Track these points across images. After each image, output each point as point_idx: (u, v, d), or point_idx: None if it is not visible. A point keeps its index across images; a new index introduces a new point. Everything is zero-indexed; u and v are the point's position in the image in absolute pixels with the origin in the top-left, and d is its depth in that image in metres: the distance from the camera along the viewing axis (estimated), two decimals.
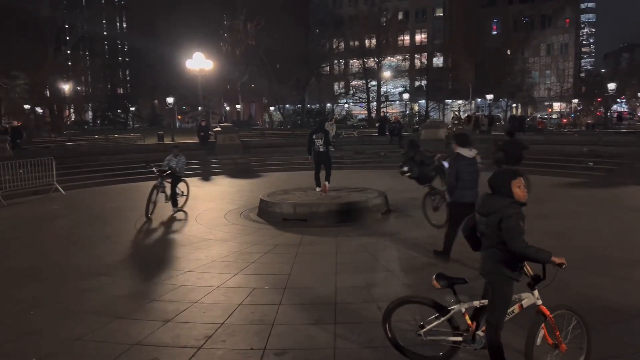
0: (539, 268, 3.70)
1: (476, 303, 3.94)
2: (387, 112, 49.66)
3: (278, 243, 8.53)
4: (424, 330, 4.07)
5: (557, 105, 75.51)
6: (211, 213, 11.67)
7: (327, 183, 11.86)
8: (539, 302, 3.73)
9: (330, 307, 5.56)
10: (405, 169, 9.60)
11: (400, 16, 71.42)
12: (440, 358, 4.14)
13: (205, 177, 19.30)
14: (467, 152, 7.11)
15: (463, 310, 3.95)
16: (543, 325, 3.68)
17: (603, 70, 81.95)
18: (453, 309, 3.97)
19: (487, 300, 3.83)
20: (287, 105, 67.90)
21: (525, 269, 3.75)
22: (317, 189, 11.86)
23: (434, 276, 3.93)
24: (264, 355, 4.47)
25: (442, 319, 4.00)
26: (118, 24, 77.86)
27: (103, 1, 72.82)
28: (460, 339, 4.00)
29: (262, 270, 7.10)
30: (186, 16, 54.79)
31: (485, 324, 3.76)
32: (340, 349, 4.59)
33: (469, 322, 3.96)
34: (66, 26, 58.45)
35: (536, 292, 3.73)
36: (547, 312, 3.69)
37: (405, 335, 4.36)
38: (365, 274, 6.79)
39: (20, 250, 8.61)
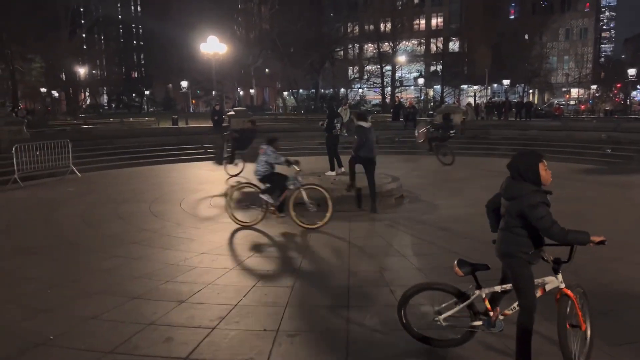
0: (556, 252, 3.63)
1: (497, 288, 3.88)
2: (401, 98, 49.23)
3: (291, 227, 8.53)
4: (443, 316, 4.01)
5: (575, 92, 74.24)
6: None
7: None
8: (563, 285, 3.67)
9: (343, 291, 5.56)
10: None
11: (415, 0, 70.47)
12: (457, 342, 4.10)
13: (219, 160, 19.30)
14: (365, 124, 9.57)
15: (483, 295, 3.92)
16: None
17: (623, 56, 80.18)
18: (474, 294, 3.92)
19: (508, 285, 3.79)
20: (301, 90, 67.62)
21: (543, 254, 3.67)
22: (332, 173, 11.83)
23: (455, 263, 3.85)
24: (277, 336, 4.48)
25: (462, 304, 3.94)
26: (132, 7, 77.89)
27: None
28: (479, 323, 3.96)
29: (276, 253, 7.11)
30: None
31: (519, 309, 3.66)
32: (353, 332, 4.58)
33: (489, 306, 3.93)
34: (81, 9, 58.56)
35: (560, 276, 3.67)
36: (572, 294, 3.65)
37: (420, 321, 4.32)
38: (378, 258, 6.77)
39: (36, 230, 8.72)
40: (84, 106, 60.01)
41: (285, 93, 71.82)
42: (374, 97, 71.07)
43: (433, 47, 69.00)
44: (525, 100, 45.37)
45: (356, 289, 5.61)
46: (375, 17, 62.67)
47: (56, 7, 49.00)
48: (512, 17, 73.87)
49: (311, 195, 8.74)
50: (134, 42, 78.17)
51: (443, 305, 4.06)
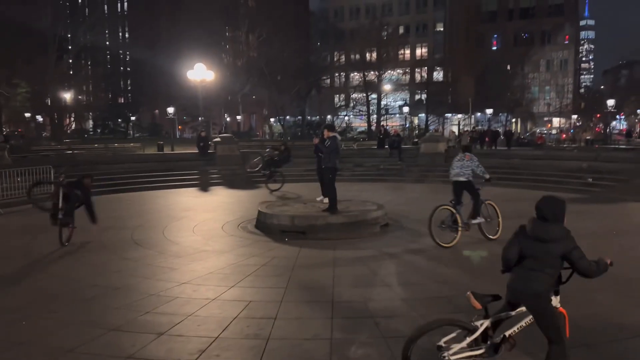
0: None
1: (503, 315, 3.98)
2: (387, 125, 49.76)
3: (275, 255, 8.46)
4: (452, 351, 3.86)
5: (556, 121, 75.75)
6: (209, 224, 11.60)
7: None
8: (559, 305, 3.92)
9: (327, 322, 5.48)
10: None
11: (401, 30, 72.09)
12: None
13: (204, 187, 19.24)
14: (338, 135, 10.79)
15: (489, 324, 3.95)
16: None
17: (602, 87, 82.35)
18: (481, 325, 3.93)
19: (514, 312, 3.96)
20: (288, 117, 68.07)
21: None
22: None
23: (469, 295, 3.88)
24: None
25: (472, 336, 3.91)
26: (120, 33, 78.30)
27: (105, 11, 73.32)
28: (482, 351, 3.96)
29: (259, 283, 7.02)
30: (188, 27, 55.11)
31: (553, 346, 3.77)
32: None
33: (490, 333, 3.98)
34: (68, 35, 58.68)
35: (558, 297, 3.92)
36: (565, 313, 3.93)
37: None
38: (363, 288, 6.72)
39: (14, 258, 8.53)
40: (68, 131, 59.52)
41: (272, 120, 72.18)
42: (359, 124, 71.78)
43: (418, 76, 70.30)
44: (505, 129, 46.17)
45: (340, 320, 5.54)
46: (362, 47, 63.83)
47: (44, 33, 49.06)
48: (495, 48, 75.74)
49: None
50: (121, 67, 78.29)
51: (448, 338, 3.93)
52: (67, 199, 9.40)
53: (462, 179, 9.53)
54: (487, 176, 9.67)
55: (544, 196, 3.94)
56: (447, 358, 3.85)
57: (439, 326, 4.00)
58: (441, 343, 3.92)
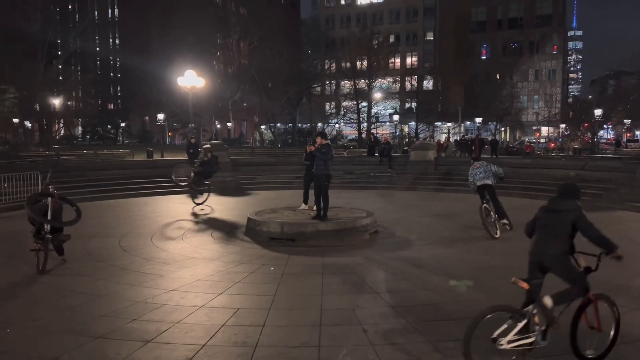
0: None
1: (547, 300, 4.30)
2: (377, 133, 50.00)
3: (264, 263, 8.42)
4: (507, 339, 4.16)
5: (544, 130, 76.51)
6: (197, 231, 11.54)
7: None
8: (557, 315, 4.33)
9: (315, 329, 5.45)
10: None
11: (391, 39, 72.65)
12: None
13: (193, 194, 19.10)
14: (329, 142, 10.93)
15: (535, 310, 4.29)
16: (586, 310, 4.47)
17: (590, 97, 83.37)
18: (529, 310, 4.29)
19: (552, 294, 4.39)
20: (278, 124, 68.14)
21: (577, 260, 4.48)
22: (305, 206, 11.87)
23: (517, 279, 4.35)
24: None
25: (522, 322, 4.23)
26: (110, 40, 77.94)
27: (96, 17, 73.03)
28: (532, 339, 4.26)
29: (247, 290, 6.98)
30: (179, 34, 55.02)
31: (573, 287, 4.40)
32: None
33: (537, 320, 4.29)
34: (58, 41, 58.33)
35: (560, 306, 4.37)
36: (594, 299, 4.50)
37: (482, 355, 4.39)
38: (351, 295, 6.70)
39: None
40: (57, 137, 59.00)
41: (262, 127, 72.19)
42: (350, 132, 72.01)
43: (408, 85, 70.83)
44: (491, 138, 46.52)
45: (328, 327, 5.52)
46: (352, 55, 64.22)
47: (33, 38, 48.76)
48: (484, 57, 76.53)
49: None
50: (111, 74, 77.89)
51: (500, 330, 4.18)
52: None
53: (489, 182, 10.97)
54: (502, 174, 11.35)
55: (563, 183, 4.87)
56: (503, 347, 4.15)
57: (492, 312, 4.26)
58: (495, 335, 4.17)
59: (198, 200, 15.68)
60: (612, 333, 4.64)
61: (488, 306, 4.40)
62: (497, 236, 10.49)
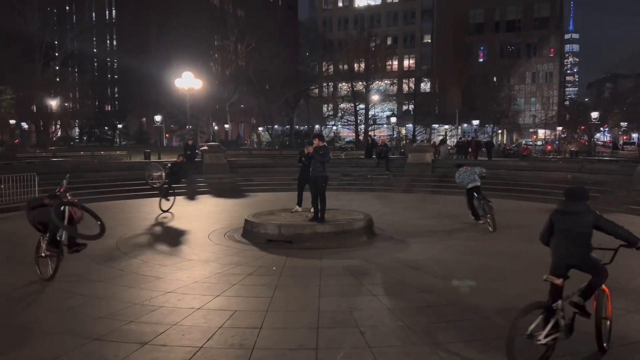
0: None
1: (579, 299, 4.68)
2: (374, 136, 50.07)
3: (262, 265, 8.42)
4: (543, 334, 4.38)
5: (541, 132, 76.66)
6: (195, 232, 11.54)
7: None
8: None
9: (312, 332, 5.46)
10: None
11: (389, 41, 72.75)
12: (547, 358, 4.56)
13: (191, 196, 19.12)
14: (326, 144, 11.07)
15: (562, 306, 4.57)
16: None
17: (586, 99, 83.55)
18: (558, 305, 4.53)
19: (579, 293, 4.74)
20: (276, 126, 68.15)
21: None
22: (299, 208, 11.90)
23: (549, 276, 4.63)
24: None
25: (553, 319, 4.47)
26: (108, 41, 77.87)
27: (93, 18, 72.95)
28: (561, 333, 4.55)
29: (244, 292, 6.99)
30: (177, 35, 55.00)
31: (595, 278, 4.71)
32: None
33: (564, 315, 4.57)
34: (55, 42, 58.23)
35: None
36: (607, 291, 4.86)
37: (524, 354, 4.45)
38: (348, 298, 6.71)
39: None
40: (54, 138, 58.87)
41: (260, 128, 72.18)
42: (347, 134, 72.06)
43: (405, 87, 70.84)
44: (486, 140, 46.60)
45: (325, 329, 5.53)
46: (350, 58, 64.27)
47: (30, 40, 48.69)
48: (481, 60, 76.70)
49: None
50: (109, 75, 77.77)
51: (533, 326, 4.36)
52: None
53: (477, 183, 12.12)
54: (484, 173, 12.49)
55: (570, 187, 5.09)
56: (541, 341, 4.39)
57: (531, 310, 4.46)
58: (529, 332, 4.35)
59: (164, 207, 14.58)
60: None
61: (526, 304, 4.56)
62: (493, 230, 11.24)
